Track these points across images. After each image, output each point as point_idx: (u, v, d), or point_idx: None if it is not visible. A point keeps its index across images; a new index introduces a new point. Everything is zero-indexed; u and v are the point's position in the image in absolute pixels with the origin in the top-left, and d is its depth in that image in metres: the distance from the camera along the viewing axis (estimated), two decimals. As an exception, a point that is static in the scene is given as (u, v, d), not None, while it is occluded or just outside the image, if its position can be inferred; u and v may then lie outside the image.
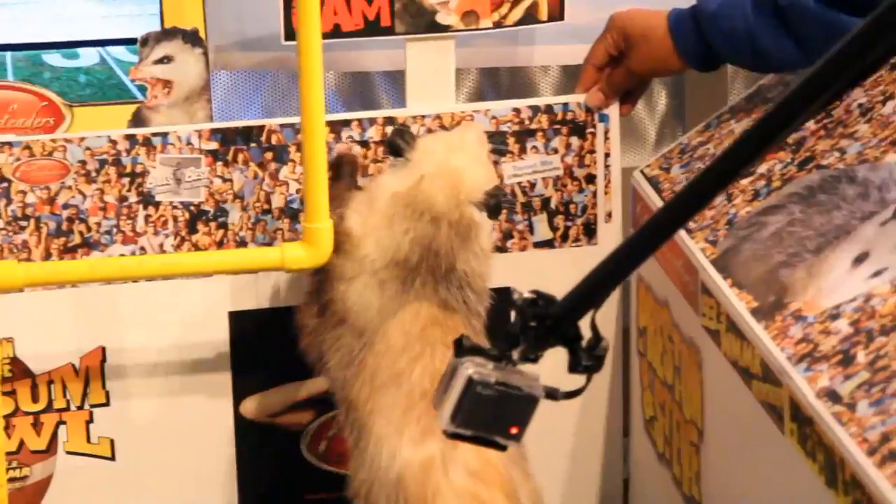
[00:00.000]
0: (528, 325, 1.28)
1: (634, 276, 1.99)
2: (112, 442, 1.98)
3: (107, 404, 1.97)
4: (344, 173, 1.93)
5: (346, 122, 1.96)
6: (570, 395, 1.31)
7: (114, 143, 1.90)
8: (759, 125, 1.17)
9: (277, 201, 1.96)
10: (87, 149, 1.90)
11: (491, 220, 1.82)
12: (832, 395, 1.41)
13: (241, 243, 1.95)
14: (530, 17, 2.00)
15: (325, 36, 1.78)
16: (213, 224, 1.95)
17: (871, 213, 1.57)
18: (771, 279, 1.60)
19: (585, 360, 1.28)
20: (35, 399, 1.95)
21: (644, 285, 1.95)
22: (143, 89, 2.00)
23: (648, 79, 2.00)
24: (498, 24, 1.98)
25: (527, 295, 1.28)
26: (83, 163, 1.90)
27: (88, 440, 1.98)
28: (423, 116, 1.97)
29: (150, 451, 1.99)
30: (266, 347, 2.00)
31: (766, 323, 1.55)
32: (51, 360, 1.94)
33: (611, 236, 2.03)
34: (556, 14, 2.00)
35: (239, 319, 1.97)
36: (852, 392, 1.40)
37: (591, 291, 1.28)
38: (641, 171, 1.93)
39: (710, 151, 1.86)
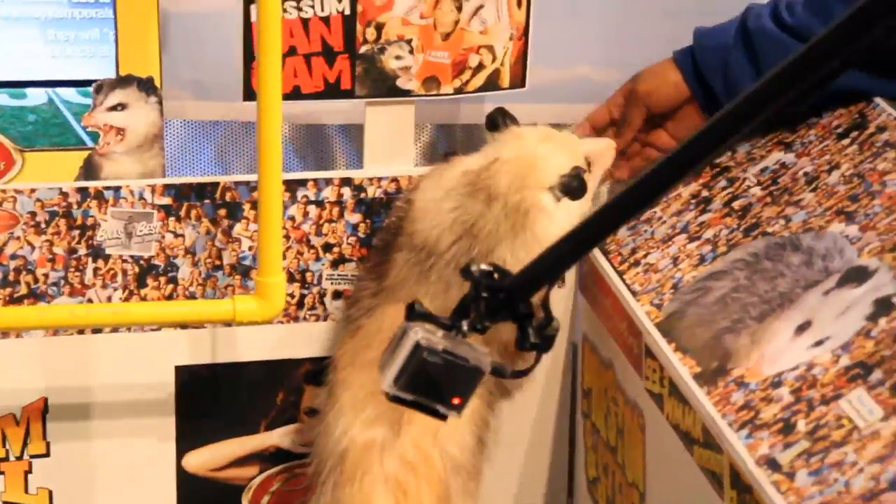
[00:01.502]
0: (480, 295, 1.28)
1: (580, 337, 1.99)
2: (50, 493, 1.97)
3: (47, 455, 1.95)
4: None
5: (303, 182, 1.96)
6: (518, 374, 1.32)
7: (65, 195, 1.90)
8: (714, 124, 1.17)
9: (229, 258, 1.95)
10: (38, 200, 1.89)
11: (572, 200, 1.77)
12: (772, 464, 1.42)
13: (191, 299, 1.95)
14: (492, 84, 2.00)
15: (285, 97, 1.78)
16: (162, 279, 1.94)
17: (815, 282, 1.58)
18: (714, 345, 1.61)
19: (533, 337, 1.28)
20: (-25, 449, 1.94)
21: (589, 346, 1.96)
22: (95, 135, 2.00)
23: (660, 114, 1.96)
24: (459, 91, 1.99)
25: (484, 267, 1.29)
26: (33, 214, 1.90)
27: (26, 490, 1.96)
28: (380, 179, 1.98)
29: (89, 504, 1.98)
30: (212, 402, 1.99)
31: (708, 388, 1.56)
32: (-8, 409, 1.94)
33: (557, 292, 2.03)
34: (518, 82, 2.01)
35: (185, 374, 1.97)
36: (792, 461, 1.41)
37: (546, 268, 1.28)
38: None
39: (657, 215, 1.87)
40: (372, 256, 1.92)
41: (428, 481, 1.71)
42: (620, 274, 1.82)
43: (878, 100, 1.77)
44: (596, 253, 1.88)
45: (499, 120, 1.85)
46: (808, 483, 1.38)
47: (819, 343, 1.51)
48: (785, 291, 1.60)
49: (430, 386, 1.28)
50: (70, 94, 1.99)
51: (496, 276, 1.28)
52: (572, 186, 1.76)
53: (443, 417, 1.31)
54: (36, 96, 1.98)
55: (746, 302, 1.63)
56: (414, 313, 1.30)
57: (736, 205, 1.78)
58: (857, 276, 1.56)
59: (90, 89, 1.98)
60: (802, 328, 1.55)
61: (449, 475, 1.73)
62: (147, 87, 1.99)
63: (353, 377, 1.79)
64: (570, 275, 2.03)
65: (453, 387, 1.28)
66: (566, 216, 1.78)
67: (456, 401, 1.29)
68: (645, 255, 1.82)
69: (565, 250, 1.27)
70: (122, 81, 1.98)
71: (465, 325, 1.28)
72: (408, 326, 1.29)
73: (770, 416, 1.47)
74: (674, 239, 1.81)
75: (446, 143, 2.38)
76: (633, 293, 1.76)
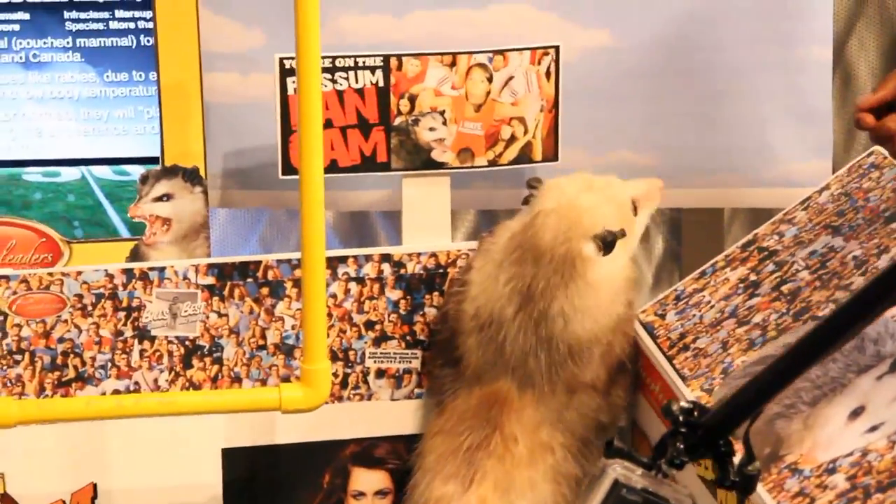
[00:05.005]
0: (679, 431, 1.26)
1: (629, 421, 1.98)
2: (101, 582, 1.96)
3: (96, 542, 1.95)
4: None
5: (343, 259, 1.97)
6: None
7: (111, 276, 1.91)
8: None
9: (273, 337, 1.96)
10: (84, 283, 1.90)
11: (604, 255, 1.80)
12: (829, 552, 1.41)
13: (236, 379, 1.95)
14: (524, 157, 2.02)
15: (324, 171, 1.79)
16: (207, 359, 1.95)
17: (867, 367, 1.58)
18: (767, 430, 1.60)
19: (734, 475, 1.25)
20: (24, 536, 1.93)
21: (639, 432, 1.95)
22: (141, 227, 2.01)
23: None
24: (493, 163, 2.00)
25: (684, 404, 1.27)
26: (80, 297, 1.90)
27: (77, 580, 1.96)
28: (419, 254, 1.98)
29: (140, 592, 1.97)
30: (259, 485, 1.98)
31: (762, 475, 1.55)
32: (42, 496, 1.92)
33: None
34: (551, 155, 2.03)
35: (232, 456, 1.96)
36: (850, 549, 1.40)
37: (744, 404, 1.25)
38: (637, 317, 1.94)
39: (705, 299, 1.87)
40: (440, 353, 1.94)
41: None
42: (670, 359, 1.81)
43: None
44: (644, 337, 1.87)
45: (530, 191, 1.88)
46: (867, 572, 1.37)
47: (874, 429, 1.51)
48: (837, 376, 1.60)
49: None
50: (104, 171, 2.01)
51: (695, 413, 1.26)
52: (606, 241, 1.79)
53: None
54: (69, 174, 2.00)
55: (798, 387, 1.62)
56: (612, 450, 1.28)
57: (785, 289, 1.78)
58: (910, 362, 1.55)
59: (125, 167, 2.00)
60: (856, 413, 1.54)
61: None
62: (192, 177, 2.00)
63: (438, 442, 1.85)
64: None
65: None
66: (610, 263, 1.81)
67: None
68: (694, 340, 1.81)
69: (763, 384, 1.24)
70: (168, 172, 2.00)
71: (664, 464, 1.26)
72: (606, 464, 1.27)
73: (825, 503, 1.47)
74: (723, 323, 1.81)
75: (488, 227, 2.39)
76: (683, 378, 1.76)
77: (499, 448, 1.80)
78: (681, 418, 1.26)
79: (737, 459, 1.26)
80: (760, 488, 1.53)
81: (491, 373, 1.83)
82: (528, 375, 1.81)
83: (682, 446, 1.25)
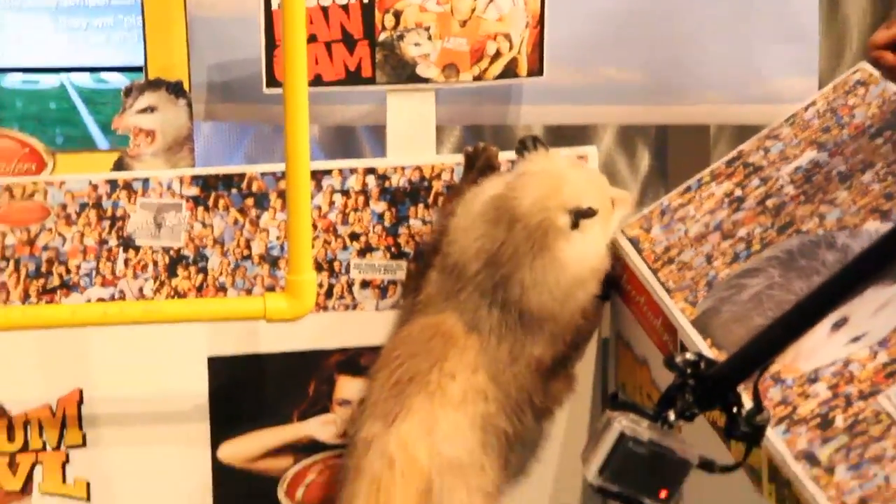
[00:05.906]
0: (686, 383, 1.25)
1: (613, 333, 2.00)
2: (88, 484, 1.97)
3: (83, 446, 1.96)
4: (476, 165, 1.94)
5: (328, 171, 1.97)
6: (727, 469, 1.28)
7: (95, 186, 1.91)
8: None
9: (257, 247, 1.96)
10: (68, 192, 1.90)
11: (572, 228, 1.80)
12: (810, 458, 1.43)
13: (221, 288, 1.95)
14: (510, 73, 2.02)
15: (308, 84, 1.79)
16: (192, 268, 1.95)
17: (851, 279, 1.59)
18: (751, 341, 1.61)
19: (743, 426, 1.25)
20: (11, 439, 1.94)
21: (623, 343, 1.96)
22: (125, 139, 2.01)
23: None
24: (478, 78, 2.00)
25: (689, 356, 1.26)
26: (64, 206, 1.90)
27: (64, 481, 1.96)
28: (404, 167, 1.99)
29: (126, 494, 1.98)
30: (245, 392, 1.99)
31: (744, 384, 1.56)
32: (28, 401, 1.93)
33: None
34: (536, 70, 2.03)
35: (218, 364, 1.97)
36: (831, 456, 1.42)
37: (755, 355, 1.24)
38: (622, 231, 1.95)
39: (689, 213, 1.88)
40: (412, 277, 1.95)
41: (404, 475, 1.75)
42: (654, 271, 1.82)
43: None
44: (629, 250, 1.89)
45: (529, 144, 1.87)
46: (848, 477, 1.39)
47: (855, 339, 1.52)
48: (821, 289, 1.61)
49: (636, 477, 1.24)
50: (84, 79, 2.00)
51: (702, 364, 1.26)
52: (578, 215, 1.79)
53: None
54: (48, 81, 1.99)
55: (782, 299, 1.64)
56: (617, 402, 1.27)
57: (769, 203, 1.79)
58: (893, 273, 1.56)
59: (103, 76, 1.99)
60: (838, 325, 1.55)
61: (435, 473, 1.76)
62: (176, 90, 1.99)
63: (378, 375, 1.84)
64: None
65: (660, 478, 1.24)
66: (583, 244, 1.81)
67: (663, 493, 1.24)
68: (679, 253, 1.83)
69: (774, 335, 1.23)
70: (151, 85, 1.99)
71: (671, 415, 1.25)
72: (612, 416, 1.25)
73: (807, 411, 1.48)
74: (707, 237, 1.82)
75: (474, 142, 2.39)
76: (668, 290, 1.77)
77: (432, 383, 1.79)
78: (688, 370, 1.25)
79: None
80: (777, 440, 1.54)
81: (441, 306, 1.83)
82: (477, 322, 1.81)
83: (691, 398, 1.25)
